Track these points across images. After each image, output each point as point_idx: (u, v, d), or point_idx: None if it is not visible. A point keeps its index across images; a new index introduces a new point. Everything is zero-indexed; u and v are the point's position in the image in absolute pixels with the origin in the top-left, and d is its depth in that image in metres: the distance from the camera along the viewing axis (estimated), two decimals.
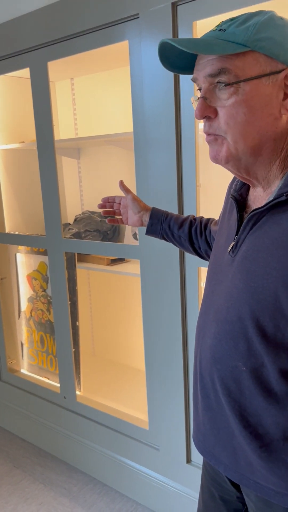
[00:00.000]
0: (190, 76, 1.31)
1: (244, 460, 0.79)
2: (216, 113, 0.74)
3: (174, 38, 1.29)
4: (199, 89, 0.76)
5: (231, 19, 0.72)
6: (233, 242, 0.80)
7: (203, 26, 1.31)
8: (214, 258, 0.87)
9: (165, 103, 1.38)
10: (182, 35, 1.31)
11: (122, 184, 1.18)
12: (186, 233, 1.13)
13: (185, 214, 1.44)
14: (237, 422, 0.77)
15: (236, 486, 0.91)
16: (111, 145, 2.15)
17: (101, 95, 2.17)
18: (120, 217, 1.24)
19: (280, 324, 0.71)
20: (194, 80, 0.77)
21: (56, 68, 1.92)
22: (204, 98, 0.73)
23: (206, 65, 0.72)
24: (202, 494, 1.00)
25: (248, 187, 0.85)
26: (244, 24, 0.70)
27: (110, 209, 1.24)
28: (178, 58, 0.77)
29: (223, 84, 0.71)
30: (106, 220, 1.25)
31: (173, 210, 1.45)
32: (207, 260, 1.18)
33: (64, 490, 1.90)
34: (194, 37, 1.30)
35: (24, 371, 2.35)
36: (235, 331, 0.76)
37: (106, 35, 1.48)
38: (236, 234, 0.80)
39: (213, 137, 0.76)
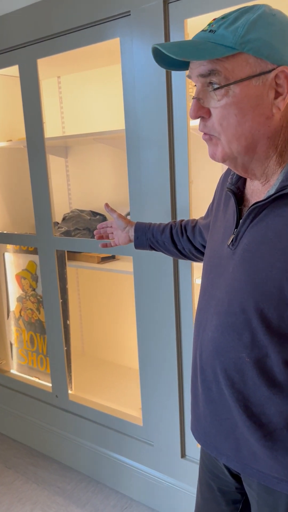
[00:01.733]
0: (183, 73, 1.33)
1: (247, 450, 0.80)
2: (209, 113, 0.75)
3: (164, 42, 1.31)
4: (195, 86, 0.78)
5: (222, 17, 0.72)
6: (233, 235, 0.81)
7: (194, 24, 1.32)
8: (211, 252, 0.88)
9: (157, 100, 1.39)
10: (173, 32, 1.32)
11: (107, 206, 1.25)
12: (168, 237, 1.19)
13: (178, 211, 1.46)
14: (241, 412, 0.79)
15: (235, 477, 0.92)
16: (99, 143, 2.15)
17: (88, 93, 2.16)
18: (113, 239, 1.32)
19: (284, 314, 0.72)
20: (189, 77, 0.78)
21: (42, 66, 1.90)
22: (197, 99, 0.75)
23: (197, 65, 0.73)
24: (200, 487, 1.02)
25: (245, 180, 0.87)
26: (234, 24, 0.70)
27: (103, 234, 1.34)
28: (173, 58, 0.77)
29: (214, 87, 0.72)
30: (100, 245, 1.35)
31: (166, 207, 1.46)
32: (194, 260, 1.22)
33: (58, 489, 1.90)
34: (186, 34, 1.31)
35: (13, 371, 2.33)
36: (238, 323, 0.77)
37: (97, 32, 1.48)
38: (236, 227, 0.81)
39: (208, 137, 0.77)
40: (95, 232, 1.34)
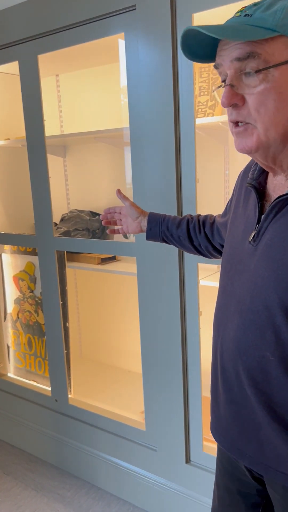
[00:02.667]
0: (189, 69, 1.30)
1: (271, 452, 0.78)
2: (244, 100, 0.72)
3: (171, 37, 1.28)
4: (222, 79, 0.75)
5: (255, 4, 0.71)
6: (255, 231, 0.79)
7: (202, 19, 1.29)
8: (231, 249, 0.86)
9: (164, 96, 1.36)
10: (180, 27, 1.29)
11: (119, 193, 1.20)
12: (185, 232, 1.14)
13: (184, 210, 1.42)
14: (265, 413, 0.77)
15: (257, 480, 0.90)
16: (97, 143, 2.11)
17: (87, 92, 2.13)
18: (121, 226, 1.25)
19: None
20: (217, 66, 0.74)
21: (41, 64, 1.86)
22: (231, 86, 0.71)
23: (232, 49, 0.70)
24: (218, 491, 0.99)
25: (266, 176, 0.84)
26: (270, 8, 0.68)
27: (111, 219, 1.26)
28: (199, 46, 0.75)
29: (254, 71, 0.69)
30: (107, 231, 1.27)
31: (172, 206, 1.43)
32: (209, 258, 1.18)
33: (58, 495, 1.85)
34: None
35: (11, 375, 2.27)
36: (262, 321, 0.75)
37: (101, 27, 1.45)
38: (258, 223, 0.79)
39: (243, 128, 0.74)
40: (101, 217, 1.27)
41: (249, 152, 0.76)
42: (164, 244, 1.46)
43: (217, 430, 0.89)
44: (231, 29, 0.69)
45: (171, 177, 1.40)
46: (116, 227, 1.27)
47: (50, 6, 1.53)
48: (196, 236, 1.13)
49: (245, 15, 0.70)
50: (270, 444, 0.78)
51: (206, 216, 1.15)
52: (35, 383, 2.15)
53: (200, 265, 1.47)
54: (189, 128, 1.35)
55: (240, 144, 0.76)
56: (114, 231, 1.26)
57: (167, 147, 1.39)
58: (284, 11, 0.67)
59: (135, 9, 1.35)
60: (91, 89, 2.11)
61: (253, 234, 0.79)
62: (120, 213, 1.24)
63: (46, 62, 1.84)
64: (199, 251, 1.16)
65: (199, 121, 1.41)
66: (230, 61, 0.71)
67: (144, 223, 1.19)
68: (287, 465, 0.77)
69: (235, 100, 0.72)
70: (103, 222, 1.27)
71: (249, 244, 0.80)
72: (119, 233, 1.26)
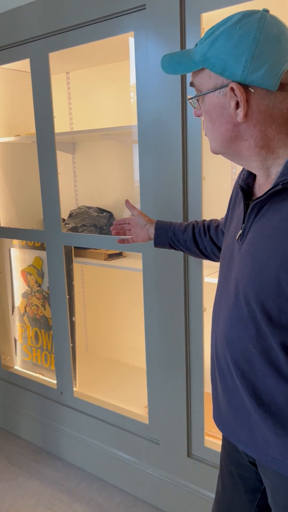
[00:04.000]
0: None
1: (261, 438, 0.82)
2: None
3: (179, 36, 1.33)
4: None
5: (208, 30, 0.79)
6: (241, 230, 0.84)
7: (210, 18, 1.31)
8: (225, 247, 0.91)
9: (171, 95, 1.38)
10: (189, 27, 1.31)
11: (128, 203, 1.27)
12: (191, 236, 1.19)
13: (189, 207, 1.44)
14: (252, 401, 0.81)
15: (254, 465, 0.94)
16: (106, 140, 2.14)
17: (96, 89, 2.15)
18: (130, 236, 1.32)
19: (284, 307, 0.74)
20: None
21: (51, 62, 1.89)
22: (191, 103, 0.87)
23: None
24: (221, 474, 1.04)
25: (255, 177, 0.89)
26: (206, 39, 0.77)
27: (120, 230, 1.34)
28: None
29: (192, 98, 0.83)
30: (117, 241, 1.35)
31: (178, 203, 1.45)
32: (215, 261, 1.23)
33: (62, 486, 1.88)
34: (201, 29, 1.30)
35: (17, 367, 2.31)
36: (244, 315, 0.79)
37: (111, 26, 1.47)
38: (243, 223, 0.84)
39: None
40: (111, 228, 1.34)
41: (214, 154, 0.87)
42: None
43: (218, 417, 0.93)
44: (172, 63, 0.81)
45: (178, 174, 1.42)
46: (125, 237, 1.34)
47: (61, 5, 1.55)
48: (201, 240, 1.18)
49: (196, 45, 0.80)
50: (259, 430, 0.82)
51: (211, 221, 1.20)
52: (41, 376, 2.18)
53: (205, 262, 1.49)
54: (196, 126, 1.37)
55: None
56: (124, 241, 1.34)
57: (174, 144, 1.41)
58: (209, 44, 0.75)
59: (145, 8, 1.37)
60: (101, 87, 2.14)
61: (239, 233, 0.84)
62: (129, 223, 1.31)
63: (57, 59, 1.87)
64: (204, 255, 1.20)
65: None
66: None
67: (152, 231, 1.25)
68: (275, 450, 0.80)
69: (197, 114, 0.86)
70: (113, 233, 1.34)
71: (237, 242, 0.85)
72: (128, 242, 1.33)
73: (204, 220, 1.21)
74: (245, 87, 0.74)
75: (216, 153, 0.85)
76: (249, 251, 0.79)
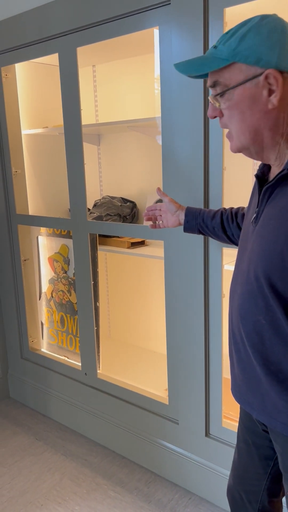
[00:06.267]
0: None
1: (270, 404, 0.90)
2: (222, 113, 0.91)
3: (202, 33, 1.37)
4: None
5: (226, 33, 0.87)
6: (255, 214, 0.93)
7: (233, 13, 1.35)
8: (243, 231, 1.00)
9: (194, 88, 1.43)
10: (212, 21, 1.35)
11: (159, 190, 1.35)
12: (219, 223, 1.26)
13: (211, 197, 1.50)
14: (262, 370, 0.89)
15: (268, 433, 1.01)
16: (131, 132, 2.20)
17: (122, 82, 2.21)
18: (161, 221, 1.41)
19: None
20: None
21: (78, 56, 1.96)
22: (212, 103, 0.91)
23: (208, 78, 0.90)
24: (238, 443, 1.12)
25: (269, 166, 0.97)
26: (230, 38, 0.84)
27: (152, 216, 1.43)
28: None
29: (218, 95, 0.88)
30: (149, 226, 1.44)
31: (199, 193, 1.50)
32: None
33: (85, 461, 1.99)
34: (224, 23, 1.34)
35: (44, 350, 2.43)
36: (254, 290, 0.88)
37: (136, 21, 1.52)
38: (257, 207, 0.92)
39: (229, 134, 0.92)
40: (144, 214, 1.43)
41: (235, 152, 0.92)
42: None
43: (234, 387, 1.01)
44: (197, 63, 0.87)
45: (199, 165, 1.48)
46: (157, 222, 1.43)
47: (89, 1, 1.61)
48: (229, 226, 1.25)
49: (214, 46, 0.87)
50: (268, 397, 0.90)
51: (238, 208, 1.27)
52: (66, 359, 2.29)
53: (225, 250, 1.55)
54: (217, 118, 1.42)
55: (230, 147, 0.93)
56: (155, 226, 1.42)
57: (196, 136, 1.46)
58: (237, 41, 0.83)
59: (170, 3, 1.42)
60: (126, 79, 2.19)
61: (253, 216, 0.93)
62: (160, 209, 1.40)
63: (84, 53, 1.93)
64: (232, 240, 1.28)
65: None
66: (208, 86, 0.91)
67: (182, 217, 1.33)
68: (283, 415, 0.88)
69: (215, 113, 0.91)
70: (145, 219, 1.43)
71: (251, 225, 0.94)
72: (160, 227, 1.42)
73: (232, 208, 1.28)
74: (280, 72, 0.82)
75: (238, 150, 0.91)
76: (260, 231, 0.88)
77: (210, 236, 1.30)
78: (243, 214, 1.24)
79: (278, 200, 0.85)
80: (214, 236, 1.29)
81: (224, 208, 1.29)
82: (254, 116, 0.85)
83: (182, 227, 1.52)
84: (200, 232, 1.31)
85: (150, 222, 1.53)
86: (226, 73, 0.85)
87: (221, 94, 0.87)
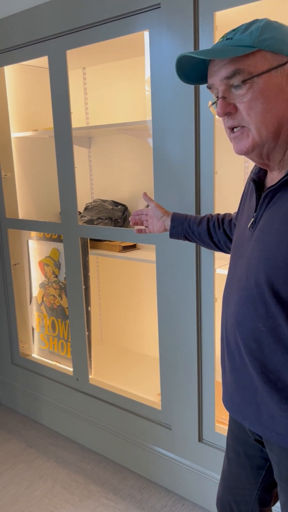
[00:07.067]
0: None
1: (267, 414, 0.88)
2: (236, 108, 0.85)
3: (193, 34, 1.36)
4: (215, 95, 0.87)
5: (233, 30, 0.84)
6: (253, 219, 0.90)
7: (223, 17, 1.34)
8: (236, 237, 0.98)
9: (185, 90, 1.42)
10: (202, 25, 1.34)
11: (145, 195, 1.33)
12: (205, 229, 1.25)
13: (202, 200, 1.49)
14: (259, 378, 0.87)
15: (259, 443, 1.00)
16: (122, 134, 2.19)
17: (112, 85, 2.20)
18: (147, 226, 1.39)
19: None
20: (209, 86, 0.88)
21: (68, 58, 1.95)
22: (223, 98, 0.85)
23: (220, 69, 0.84)
24: (227, 453, 1.10)
25: (266, 171, 0.95)
26: (246, 30, 0.82)
27: (138, 220, 1.41)
28: (192, 70, 0.88)
29: (241, 82, 0.82)
30: (135, 231, 1.42)
31: (191, 196, 1.49)
32: (227, 253, 1.28)
33: (78, 468, 1.97)
34: (214, 27, 1.33)
35: (34, 355, 2.40)
36: (254, 296, 0.85)
37: (126, 24, 1.51)
38: (255, 212, 0.90)
39: (239, 132, 0.86)
40: (130, 218, 1.41)
41: (246, 153, 0.87)
42: None
43: (226, 397, 0.99)
44: (217, 51, 0.81)
45: (191, 168, 1.47)
46: (143, 227, 1.41)
47: (79, 4, 1.60)
48: (215, 232, 1.24)
49: (227, 39, 0.83)
50: (265, 406, 0.88)
51: (225, 214, 1.26)
52: (57, 364, 2.26)
53: (216, 254, 1.54)
54: (208, 121, 1.41)
55: (237, 147, 0.87)
56: (141, 231, 1.40)
57: (187, 139, 1.45)
58: (259, 31, 0.81)
59: (160, 7, 1.41)
60: (116, 82, 2.18)
61: (251, 221, 0.91)
62: (146, 214, 1.38)
63: (73, 55, 1.91)
64: (218, 247, 1.26)
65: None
66: (220, 80, 0.84)
67: (168, 222, 1.31)
68: (280, 426, 0.86)
69: (228, 109, 0.85)
70: (131, 223, 1.41)
71: (248, 230, 0.91)
72: (145, 232, 1.40)
73: (219, 214, 1.27)
74: None
75: (252, 148, 0.85)
76: (261, 236, 0.85)
77: (196, 242, 1.29)
78: (230, 220, 1.23)
79: (281, 204, 0.83)
80: (200, 243, 1.28)
81: (211, 214, 1.28)
82: (279, 106, 0.82)
83: (168, 233, 1.50)
84: (186, 238, 1.29)
85: (137, 226, 1.51)
86: (249, 61, 0.81)
87: (246, 81, 0.81)
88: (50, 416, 2.25)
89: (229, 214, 1.25)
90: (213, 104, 0.90)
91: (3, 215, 2.21)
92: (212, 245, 1.26)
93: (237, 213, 1.15)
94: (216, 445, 1.65)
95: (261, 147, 0.86)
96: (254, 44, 0.80)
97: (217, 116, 1.45)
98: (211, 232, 1.24)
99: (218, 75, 0.84)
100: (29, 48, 1.83)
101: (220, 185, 1.84)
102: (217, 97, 0.86)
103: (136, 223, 1.41)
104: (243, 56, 0.80)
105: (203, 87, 1.39)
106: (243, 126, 0.85)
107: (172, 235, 1.30)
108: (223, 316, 0.96)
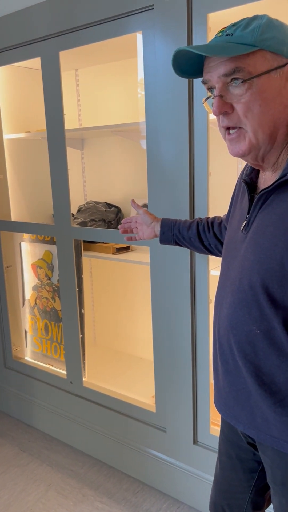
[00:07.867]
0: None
1: (260, 417, 0.87)
2: (232, 108, 0.82)
3: (186, 35, 1.36)
4: (209, 89, 0.85)
5: (233, 25, 0.82)
6: (245, 221, 0.89)
7: (217, 19, 1.34)
8: (228, 239, 0.96)
9: (178, 92, 1.42)
10: (196, 26, 1.34)
11: (133, 202, 1.32)
12: (195, 233, 1.24)
13: (196, 202, 1.49)
14: (253, 381, 0.86)
15: (252, 446, 0.99)
16: (115, 136, 2.18)
17: (105, 86, 2.19)
18: (137, 234, 1.38)
19: (287, 290, 0.79)
20: (205, 81, 0.85)
21: (61, 59, 1.94)
22: (220, 96, 0.82)
23: (218, 66, 0.81)
24: (220, 456, 1.09)
25: (258, 172, 0.94)
26: (248, 27, 0.79)
27: (128, 228, 1.40)
28: (188, 64, 0.86)
29: (240, 81, 0.80)
30: (125, 238, 1.42)
31: (185, 198, 1.49)
32: (218, 256, 1.27)
33: (71, 472, 1.95)
34: (208, 29, 1.34)
35: (28, 358, 2.38)
36: (248, 299, 0.84)
37: (119, 25, 1.51)
38: (248, 213, 0.89)
39: (236, 134, 0.84)
40: (119, 226, 1.40)
41: (242, 156, 0.86)
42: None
43: (218, 400, 0.98)
44: (218, 47, 0.79)
45: (184, 170, 1.46)
46: (133, 235, 1.40)
47: (72, 5, 1.59)
48: (206, 236, 1.23)
49: (227, 35, 0.80)
50: (259, 410, 0.87)
51: (214, 218, 1.25)
52: (50, 367, 2.25)
53: (210, 256, 1.53)
54: (202, 122, 1.41)
55: (234, 150, 0.85)
56: (131, 238, 1.40)
57: (181, 140, 1.45)
58: (261, 29, 0.79)
59: (153, 8, 1.41)
60: (109, 84, 2.18)
61: (244, 223, 0.89)
62: (135, 222, 1.37)
63: (66, 57, 1.91)
64: (209, 250, 1.25)
65: (212, 116, 1.47)
66: (218, 77, 0.81)
67: (157, 228, 1.30)
68: (274, 429, 0.85)
69: (225, 108, 0.82)
70: (121, 231, 1.40)
71: (241, 232, 0.90)
72: (135, 239, 1.39)
73: (208, 217, 1.26)
74: None
75: (248, 150, 0.84)
76: (254, 238, 0.84)
77: (187, 247, 1.28)
78: (220, 223, 1.22)
79: (275, 206, 0.82)
80: (190, 247, 1.27)
81: (200, 218, 1.27)
82: (276, 109, 0.81)
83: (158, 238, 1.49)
84: (176, 243, 1.29)
85: (127, 234, 1.50)
86: (249, 60, 0.79)
87: (245, 81, 0.79)
88: (44, 419, 2.23)
89: (218, 217, 1.24)
90: (207, 99, 0.88)
91: None
92: (203, 249, 1.25)
93: (228, 214, 1.15)
94: (211, 447, 1.64)
95: (257, 150, 0.84)
96: (256, 43, 0.78)
97: (211, 114, 1.47)
98: (201, 235, 1.24)
99: (216, 71, 0.82)
100: (22, 49, 1.82)
101: (214, 187, 1.84)
102: (212, 92, 0.84)
103: (125, 231, 1.40)
104: (244, 54, 0.78)
105: (197, 89, 1.39)
106: (240, 128, 0.83)
107: (162, 241, 1.30)
108: (216, 318, 0.95)
